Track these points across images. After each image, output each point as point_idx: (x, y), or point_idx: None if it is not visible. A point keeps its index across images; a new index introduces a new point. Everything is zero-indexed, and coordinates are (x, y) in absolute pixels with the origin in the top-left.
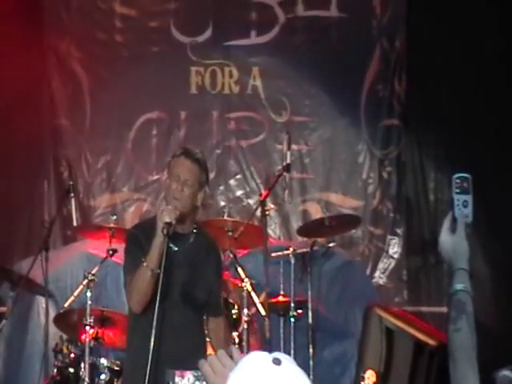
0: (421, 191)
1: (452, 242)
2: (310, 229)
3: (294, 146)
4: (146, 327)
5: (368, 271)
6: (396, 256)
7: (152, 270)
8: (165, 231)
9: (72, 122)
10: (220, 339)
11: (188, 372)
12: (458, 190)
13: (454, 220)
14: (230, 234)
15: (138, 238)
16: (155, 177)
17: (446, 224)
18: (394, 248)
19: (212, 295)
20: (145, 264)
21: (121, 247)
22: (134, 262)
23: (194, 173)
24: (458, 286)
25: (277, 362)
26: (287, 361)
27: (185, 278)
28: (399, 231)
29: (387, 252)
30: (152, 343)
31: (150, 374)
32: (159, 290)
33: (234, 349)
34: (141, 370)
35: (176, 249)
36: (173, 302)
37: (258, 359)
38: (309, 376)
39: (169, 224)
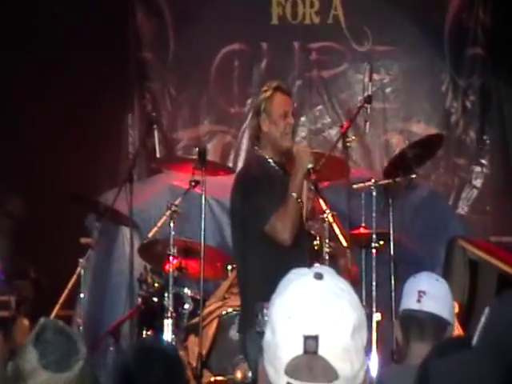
0: (505, 120)
1: None
2: (395, 166)
3: (375, 76)
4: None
5: (451, 201)
6: (479, 186)
7: (299, 200)
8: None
9: (156, 55)
10: None
11: None
12: None
13: None
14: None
15: (257, 180)
16: (237, 109)
17: None
18: (478, 178)
19: None
20: (294, 195)
21: (202, 179)
22: (270, 200)
23: (292, 103)
24: None
25: (318, 276)
26: (329, 275)
27: None
28: (483, 161)
29: (470, 182)
30: None
31: None
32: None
33: None
34: None
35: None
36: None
37: (299, 276)
38: (391, 307)
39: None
